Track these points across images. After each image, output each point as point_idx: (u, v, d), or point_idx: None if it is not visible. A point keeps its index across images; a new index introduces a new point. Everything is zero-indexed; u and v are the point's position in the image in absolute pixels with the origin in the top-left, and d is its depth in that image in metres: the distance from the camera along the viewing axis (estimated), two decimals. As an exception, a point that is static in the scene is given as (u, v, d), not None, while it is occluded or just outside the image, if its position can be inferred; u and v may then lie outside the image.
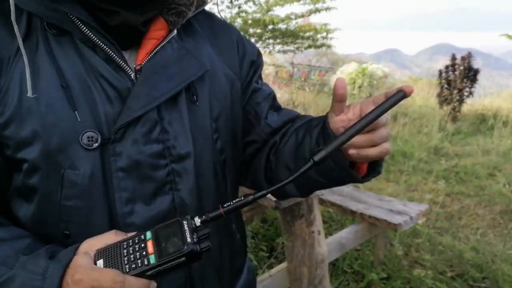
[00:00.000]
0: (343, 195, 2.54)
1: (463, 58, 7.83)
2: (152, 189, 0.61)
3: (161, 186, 0.61)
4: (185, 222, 0.53)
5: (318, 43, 9.28)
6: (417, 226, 2.86)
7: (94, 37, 0.57)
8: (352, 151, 0.58)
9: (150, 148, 0.60)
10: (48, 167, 0.57)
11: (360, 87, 10.20)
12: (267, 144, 0.77)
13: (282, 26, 8.49)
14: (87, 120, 0.57)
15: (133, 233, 0.55)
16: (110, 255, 0.52)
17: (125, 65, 0.60)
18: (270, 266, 2.23)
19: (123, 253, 0.52)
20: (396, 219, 2.19)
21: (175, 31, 0.65)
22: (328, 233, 2.64)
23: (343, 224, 2.97)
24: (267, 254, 2.46)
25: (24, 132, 0.56)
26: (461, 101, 7.80)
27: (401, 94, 0.54)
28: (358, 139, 0.56)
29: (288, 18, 8.38)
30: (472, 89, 7.82)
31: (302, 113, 0.83)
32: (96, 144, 0.57)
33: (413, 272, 2.38)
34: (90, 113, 0.57)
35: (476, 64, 7.85)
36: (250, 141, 0.78)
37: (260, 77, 0.81)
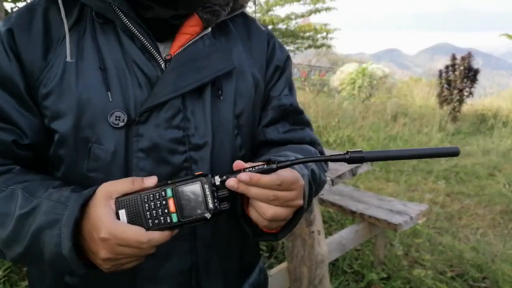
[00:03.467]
0: (343, 195, 2.54)
1: (463, 58, 7.84)
2: (167, 173, 0.64)
3: (177, 171, 0.65)
4: (206, 186, 0.55)
5: (318, 43, 9.29)
6: (417, 226, 2.86)
7: (132, 27, 0.63)
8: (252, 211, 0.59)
9: (170, 133, 0.64)
10: (76, 140, 0.62)
11: (360, 87, 10.20)
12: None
13: (282, 26, 8.49)
14: (118, 101, 0.62)
15: (152, 186, 0.57)
16: (132, 208, 0.55)
17: (157, 55, 0.65)
18: (270, 266, 2.23)
19: (145, 207, 0.55)
20: (396, 219, 2.19)
21: (209, 29, 0.69)
22: (328, 233, 2.64)
23: (343, 224, 2.96)
24: (267, 254, 2.46)
25: (60, 105, 0.62)
26: (461, 101, 7.81)
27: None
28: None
29: (288, 18, 8.38)
30: (472, 89, 7.83)
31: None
32: (122, 124, 0.62)
33: (413, 272, 2.38)
34: (121, 95, 0.63)
35: (476, 64, 7.86)
36: None
37: (290, 85, 0.80)
